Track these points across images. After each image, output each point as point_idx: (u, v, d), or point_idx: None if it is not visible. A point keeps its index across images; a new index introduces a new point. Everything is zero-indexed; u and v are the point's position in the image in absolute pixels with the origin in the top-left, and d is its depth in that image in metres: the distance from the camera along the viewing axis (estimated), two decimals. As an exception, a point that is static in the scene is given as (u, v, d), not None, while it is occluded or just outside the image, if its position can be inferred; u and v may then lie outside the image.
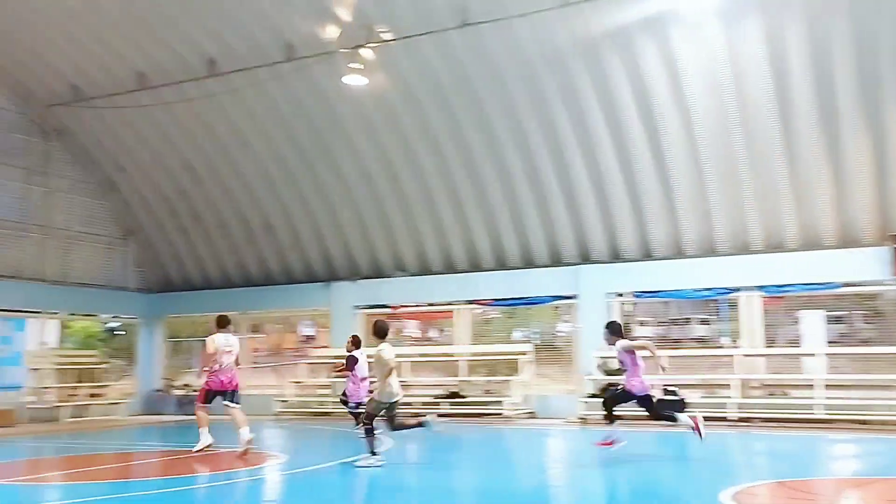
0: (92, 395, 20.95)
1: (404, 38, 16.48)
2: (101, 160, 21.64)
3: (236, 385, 12.21)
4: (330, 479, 10.53)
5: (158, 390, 22.80)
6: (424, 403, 18.97)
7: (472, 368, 19.71)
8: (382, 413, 10.92)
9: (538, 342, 20.61)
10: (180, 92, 18.76)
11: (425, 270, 20.73)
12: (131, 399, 22.34)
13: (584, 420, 17.12)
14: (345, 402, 15.16)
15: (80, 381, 20.74)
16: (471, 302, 20.36)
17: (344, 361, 15.19)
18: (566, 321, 20.22)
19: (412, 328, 24.65)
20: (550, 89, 17.16)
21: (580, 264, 19.02)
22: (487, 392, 19.20)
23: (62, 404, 19.96)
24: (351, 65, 16.66)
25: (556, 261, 19.35)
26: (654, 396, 11.63)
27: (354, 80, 16.99)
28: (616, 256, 18.78)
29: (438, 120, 18.29)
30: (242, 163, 20.47)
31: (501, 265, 19.92)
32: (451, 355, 20.05)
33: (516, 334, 21.92)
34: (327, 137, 19.32)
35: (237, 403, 12.06)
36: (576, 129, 17.52)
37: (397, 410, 11.07)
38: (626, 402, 11.54)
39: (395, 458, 12.75)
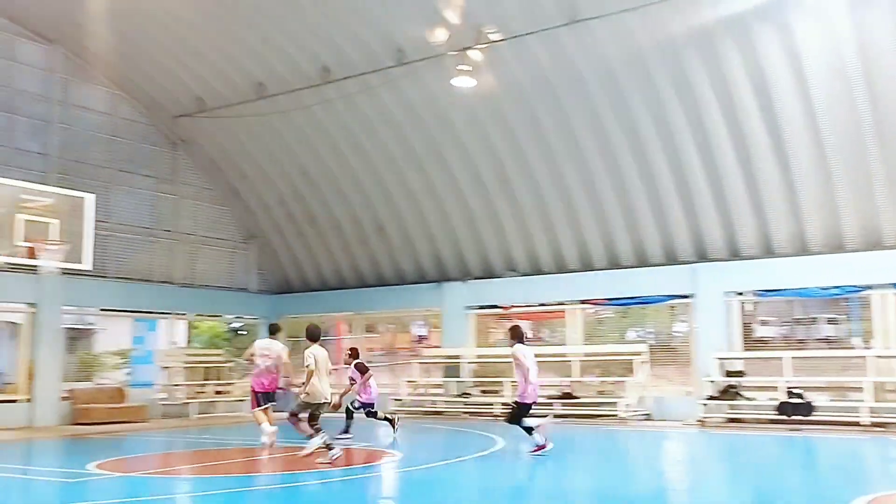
0: (217, 393, 21.93)
1: (513, 37, 16.46)
2: (224, 168, 22.63)
3: (275, 387, 13.80)
4: (445, 477, 10.62)
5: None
6: (536, 404, 18.86)
7: (584, 369, 19.46)
8: (308, 412, 11.48)
9: (653, 342, 20.13)
10: (296, 99, 19.41)
11: (536, 270, 20.63)
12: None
13: (703, 423, 16.61)
14: (363, 409, 14.89)
15: (206, 379, 21.74)
16: (583, 302, 20.12)
17: (351, 376, 14.89)
18: (683, 321, 19.67)
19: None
20: (663, 83, 16.74)
21: (697, 262, 18.46)
22: (601, 393, 18.91)
23: (191, 401, 20.97)
24: (460, 67, 16.78)
25: (672, 259, 18.86)
26: (520, 404, 12.25)
27: (463, 82, 17.11)
28: (735, 254, 18.13)
29: (548, 119, 18.17)
30: (355, 166, 20.96)
31: (614, 264, 19.58)
32: (564, 356, 19.86)
33: (630, 334, 21.49)
34: (437, 139, 19.53)
35: (271, 403, 13.63)
36: (691, 123, 17.03)
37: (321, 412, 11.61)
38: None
39: (509, 458, 12.75)
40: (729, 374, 17.01)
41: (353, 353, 15.27)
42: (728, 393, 16.92)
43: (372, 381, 14.78)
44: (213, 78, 19.90)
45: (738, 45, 15.80)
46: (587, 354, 19.67)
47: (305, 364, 11.39)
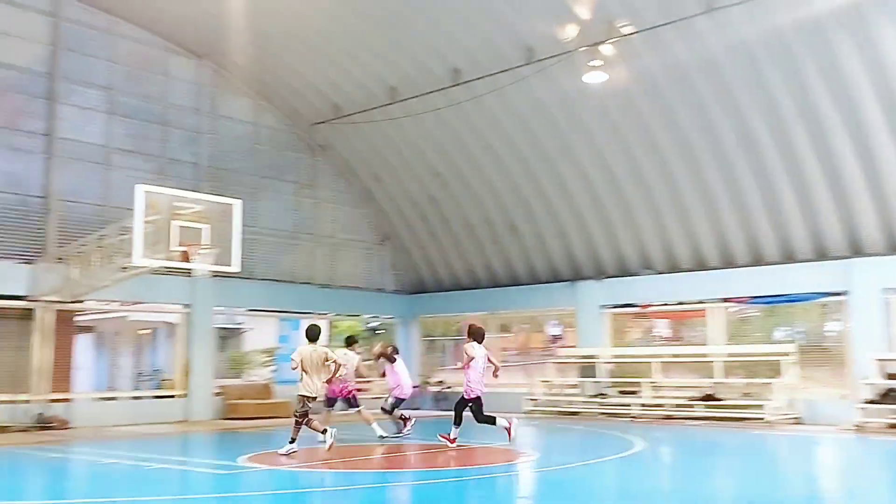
0: (357, 390, 22.48)
1: (646, 29, 16.04)
2: (360, 171, 23.28)
3: (344, 394, 14.60)
4: (582, 479, 10.46)
5: (415, 386, 24.00)
6: (676, 405, 18.34)
7: (728, 370, 18.69)
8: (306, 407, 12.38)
9: (803, 342, 19.06)
10: (428, 102, 19.70)
11: (674, 268, 20.02)
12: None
13: (861, 428, 15.60)
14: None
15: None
16: (724, 300, 19.34)
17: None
18: (836, 320, 18.52)
19: (662, 327, 23.88)
20: (808, 67, 15.83)
21: (850, 258, 17.35)
22: (746, 395, 18.09)
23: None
24: (591, 63, 16.51)
25: (821, 254, 17.81)
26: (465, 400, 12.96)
27: (595, 78, 16.83)
28: (894, 248, 16.91)
29: (684, 111, 17.58)
30: (486, 166, 21.04)
31: (757, 260, 18.71)
32: (705, 356, 19.16)
33: (777, 334, 20.44)
34: (569, 136, 19.30)
35: (329, 408, 14.69)
36: (839, 107, 16.01)
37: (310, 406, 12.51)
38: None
39: (649, 460, 12.42)
40: (890, 376, 15.89)
41: (386, 350, 15.50)
42: (889, 397, 15.80)
43: (402, 376, 15.02)
44: (348, 84, 20.51)
45: (893, 22, 14.72)
46: (730, 355, 18.89)
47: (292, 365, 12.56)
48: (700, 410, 17.77)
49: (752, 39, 15.85)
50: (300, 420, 12.43)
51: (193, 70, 20.68)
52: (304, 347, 12.64)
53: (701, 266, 19.59)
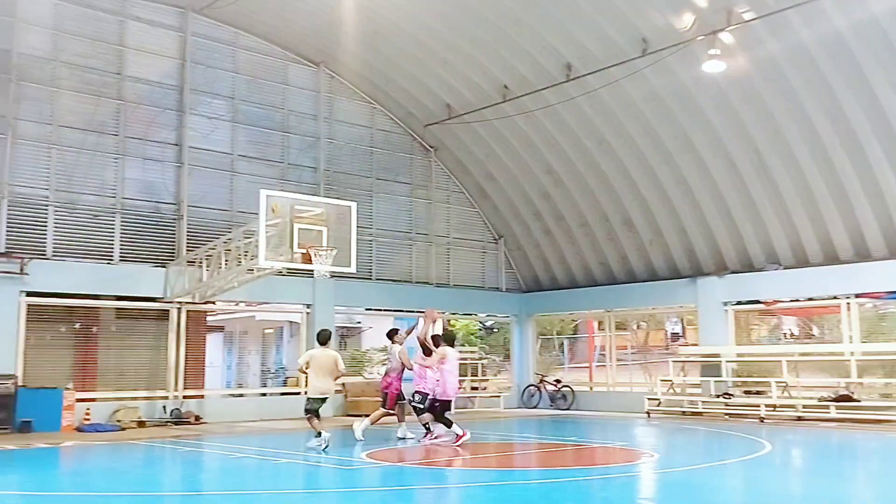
0: (473, 389, 22.67)
1: (768, 14, 15.37)
2: (473, 170, 23.38)
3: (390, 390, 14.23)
4: (705, 481, 10.13)
5: (532, 385, 23.93)
6: (807, 406, 17.49)
7: (864, 369, 17.67)
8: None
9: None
10: (540, 99, 19.59)
11: (802, 262, 19.11)
12: (508, 393, 23.74)
13: None
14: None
15: (462, 376, 22.53)
16: (858, 295, 18.29)
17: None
18: None
19: (790, 325, 22.84)
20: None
21: None
22: (886, 396, 17.06)
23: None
24: (710, 51, 15.98)
25: (969, 245, 16.59)
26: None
27: (713, 67, 16.27)
28: None
29: (810, 97, 16.75)
30: (600, 161, 20.70)
31: (895, 253, 17.60)
32: (839, 354, 18.18)
33: (918, 331, 19.17)
34: (686, 128, 18.74)
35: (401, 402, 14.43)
36: None
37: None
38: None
39: (778, 463, 11.91)
40: None
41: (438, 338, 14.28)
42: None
43: (430, 372, 13.92)
44: (460, 84, 20.64)
45: None
46: (866, 353, 17.85)
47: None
48: (834, 412, 16.87)
49: (882, 15, 14.91)
50: (308, 417, 12.97)
51: (311, 77, 21.32)
52: (314, 350, 13.09)
53: (832, 260, 18.61)
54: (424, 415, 13.71)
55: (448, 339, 14.12)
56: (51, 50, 17.55)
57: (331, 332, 13.55)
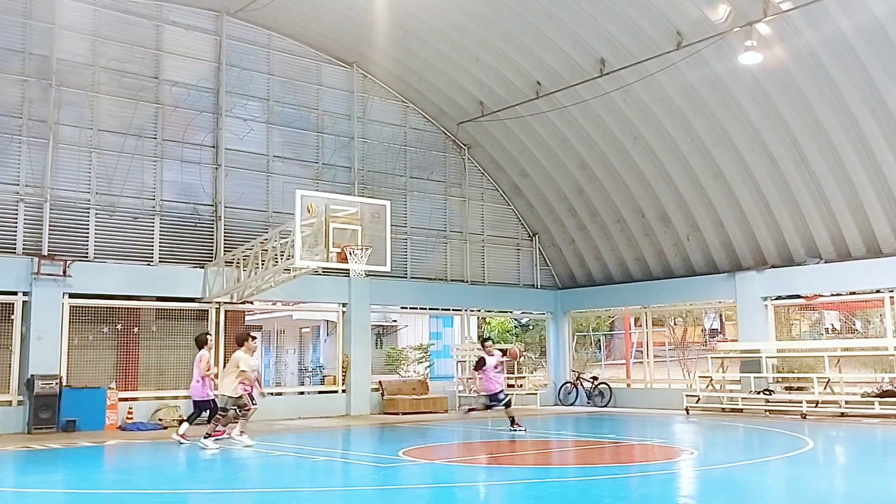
0: (509, 386, 22.58)
1: (805, 4, 15.11)
2: (507, 168, 23.33)
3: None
4: (747, 478, 9.99)
5: (568, 382, 23.83)
6: (849, 402, 17.18)
7: (909, 364, 17.31)
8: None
9: None
10: (573, 95, 19.48)
11: (843, 255, 18.76)
12: (544, 390, 23.66)
13: None
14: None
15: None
16: (903, 289, 17.92)
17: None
18: None
19: (831, 319, 22.45)
20: None
21: None
22: (931, 391, 16.68)
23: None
24: (746, 43, 15.76)
25: None
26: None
27: (750, 59, 16.04)
28: None
29: (849, 86, 16.43)
30: (635, 156, 20.52)
31: (941, 245, 17.24)
32: (883, 349, 17.83)
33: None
34: (722, 121, 18.50)
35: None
36: None
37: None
38: None
39: (822, 460, 11.72)
40: None
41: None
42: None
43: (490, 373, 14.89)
44: (493, 81, 20.60)
45: None
46: (911, 348, 17.47)
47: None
48: (878, 407, 16.54)
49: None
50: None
51: (344, 77, 21.44)
52: (239, 352, 13.46)
53: (874, 252, 18.26)
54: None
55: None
56: (89, 55, 17.87)
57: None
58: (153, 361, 18.04)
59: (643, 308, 23.01)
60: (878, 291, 18.31)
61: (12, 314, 16.36)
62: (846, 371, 18.75)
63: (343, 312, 20.62)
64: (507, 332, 28.24)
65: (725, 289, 20.68)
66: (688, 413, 19.15)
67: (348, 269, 16.33)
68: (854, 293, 18.96)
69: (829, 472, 10.95)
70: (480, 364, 15.03)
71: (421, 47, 20.26)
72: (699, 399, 19.50)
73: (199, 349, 14.07)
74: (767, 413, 18.20)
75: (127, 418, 16.80)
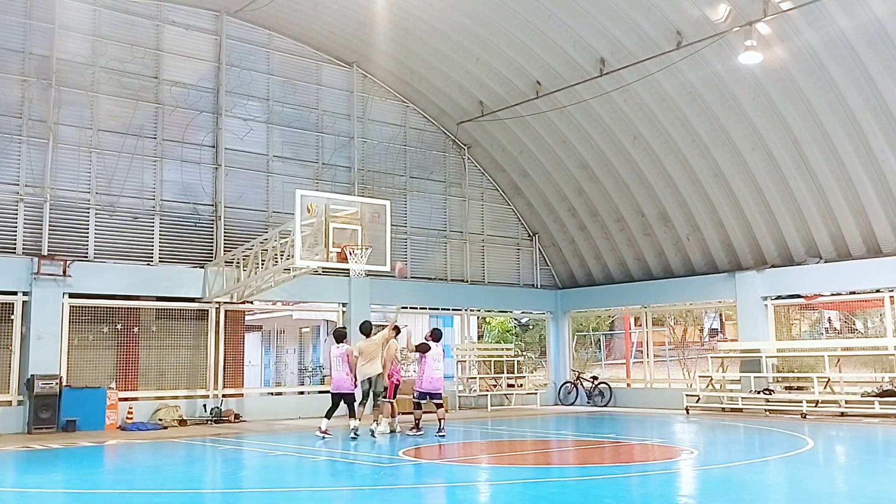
0: (509, 386, 22.63)
1: (806, 4, 15.11)
2: (506, 167, 23.33)
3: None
4: (747, 478, 9.99)
5: (568, 382, 23.82)
6: (850, 402, 17.18)
7: (909, 364, 17.31)
8: None
9: None
10: (573, 95, 19.48)
11: (843, 255, 18.77)
12: (545, 390, 23.66)
13: None
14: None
15: (498, 372, 22.52)
16: (903, 288, 17.92)
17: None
18: None
19: (832, 319, 22.46)
20: None
21: None
22: (931, 391, 16.68)
23: (485, 393, 21.86)
24: (746, 43, 15.76)
25: None
26: None
27: (750, 59, 16.04)
28: None
29: (850, 86, 16.43)
30: (635, 156, 20.52)
31: (941, 245, 17.23)
32: (883, 349, 17.82)
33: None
34: (723, 121, 18.50)
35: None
36: None
37: None
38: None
39: (821, 460, 11.72)
40: None
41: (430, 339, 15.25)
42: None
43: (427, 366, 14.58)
44: (493, 81, 20.60)
45: None
46: (911, 347, 17.47)
47: None
48: (878, 407, 16.54)
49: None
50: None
51: (344, 77, 21.43)
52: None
53: (874, 252, 18.27)
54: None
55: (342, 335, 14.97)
56: (89, 55, 17.86)
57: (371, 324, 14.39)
58: (153, 361, 18.05)
59: (643, 308, 23.01)
60: (877, 291, 18.32)
61: (12, 314, 16.37)
62: (846, 371, 18.75)
63: (343, 312, 20.61)
64: (508, 331, 28.24)
65: (725, 288, 20.68)
66: (688, 413, 19.15)
67: (348, 269, 16.32)
68: (854, 293, 18.96)
69: (829, 472, 10.95)
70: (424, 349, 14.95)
71: (421, 47, 20.26)
72: (699, 399, 19.50)
73: (338, 343, 14.42)
74: (767, 413, 18.21)
75: (127, 418, 16.79)
